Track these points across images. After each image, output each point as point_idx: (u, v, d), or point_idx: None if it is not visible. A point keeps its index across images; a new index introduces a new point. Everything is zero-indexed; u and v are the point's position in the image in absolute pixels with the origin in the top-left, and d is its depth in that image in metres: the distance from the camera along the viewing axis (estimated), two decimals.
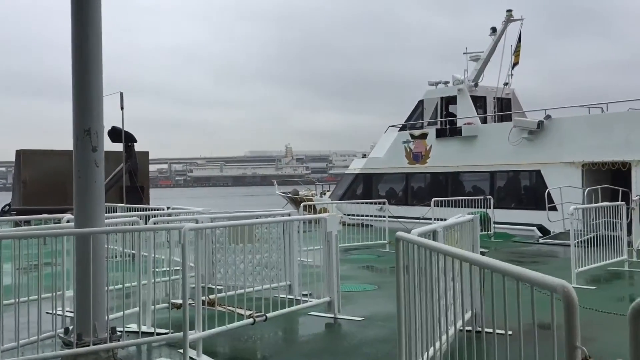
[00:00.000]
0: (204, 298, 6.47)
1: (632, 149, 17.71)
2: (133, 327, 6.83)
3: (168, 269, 7.54)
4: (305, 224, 9.40)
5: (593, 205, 11.51)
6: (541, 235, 19.21)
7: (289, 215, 8.92)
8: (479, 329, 6.05)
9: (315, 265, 8.30)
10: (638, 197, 13.56)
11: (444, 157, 22.53)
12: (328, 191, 32.42)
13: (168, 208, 12.66)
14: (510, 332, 3.26)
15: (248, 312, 6.63)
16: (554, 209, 18.40)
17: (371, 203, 17.88)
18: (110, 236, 6.67)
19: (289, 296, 7.82)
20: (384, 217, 16.20)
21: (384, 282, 10.62)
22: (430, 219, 16.43)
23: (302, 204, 14.59)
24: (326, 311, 7.80)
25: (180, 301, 7.17)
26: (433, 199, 16.96)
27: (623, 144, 17.97)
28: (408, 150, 23.80)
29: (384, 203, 16.50)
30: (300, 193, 32.61)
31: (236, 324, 6.46)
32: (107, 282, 6.08)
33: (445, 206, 17.14)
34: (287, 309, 7.17)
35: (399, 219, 16.51)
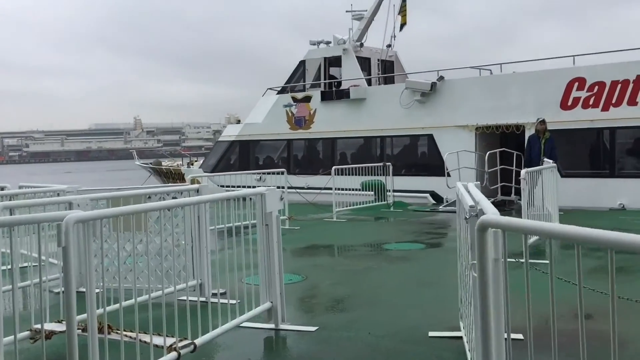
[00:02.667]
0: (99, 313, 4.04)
1: (526, 111, 17.12)
2: None
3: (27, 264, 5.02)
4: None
5: (538, 168, 10.34)
6: (434, 202, 18.30)
7: (197, 192, 6.54)
8: None
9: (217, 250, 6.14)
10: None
11: (330, 121, 20.78)
12: (196, 161, 29.60)
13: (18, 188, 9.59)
14: None
15: (169, 341, 4.29)
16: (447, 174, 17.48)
17: (268, 173, 15.66)
18: None
19: (192, 298, 5.70)
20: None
21: (308, 269, 8.62)
22: (330, 188, 14.72)
23: (190, 177, 11.98)
24: (266, 320, 5.66)
25: (53, 327, 4.70)
26: (334, 167, 15.15)
27: (517, 106, 17.35)
28: (290, 114, 21.77)
29: (282, 173, 14.37)
30: (163, 164, 29.51)
31: None
32: None
33: (343, 174, 15.44)
34: (221, 328, 4.90)
35: (298, 190, 14.56)
